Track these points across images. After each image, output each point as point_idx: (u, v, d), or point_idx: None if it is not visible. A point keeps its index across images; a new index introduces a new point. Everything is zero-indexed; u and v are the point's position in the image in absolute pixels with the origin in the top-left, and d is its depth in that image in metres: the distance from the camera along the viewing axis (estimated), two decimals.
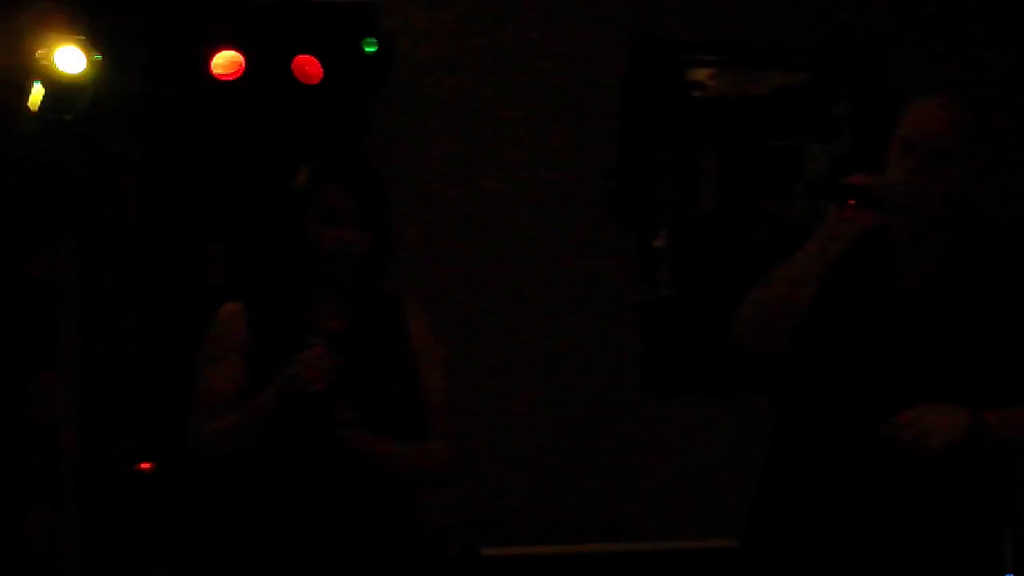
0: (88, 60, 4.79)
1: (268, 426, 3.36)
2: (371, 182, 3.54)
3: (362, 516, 3.41)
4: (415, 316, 3.62)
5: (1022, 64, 6.11)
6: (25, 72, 4.77)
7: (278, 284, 3.52)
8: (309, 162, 3.54)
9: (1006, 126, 5.92)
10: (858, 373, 3.44)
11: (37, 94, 4.76)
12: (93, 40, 4.78)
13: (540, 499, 5.66)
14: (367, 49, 5.23)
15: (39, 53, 4.71)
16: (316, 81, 5.12)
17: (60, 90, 4.76)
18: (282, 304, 3.46)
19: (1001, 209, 5.17)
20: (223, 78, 5.10)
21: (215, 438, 3.39)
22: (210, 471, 3.51)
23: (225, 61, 5.11)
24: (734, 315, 3.53)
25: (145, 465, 5.08)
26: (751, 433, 5.54)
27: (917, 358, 3.40)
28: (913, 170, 3.40)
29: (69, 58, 4.77)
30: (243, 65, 5.10)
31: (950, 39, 6.07)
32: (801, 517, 3.48)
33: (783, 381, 3.60)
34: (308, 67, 5.13)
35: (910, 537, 3.39)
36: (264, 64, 5.13)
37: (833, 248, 3.42)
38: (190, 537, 5.00)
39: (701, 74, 5.97)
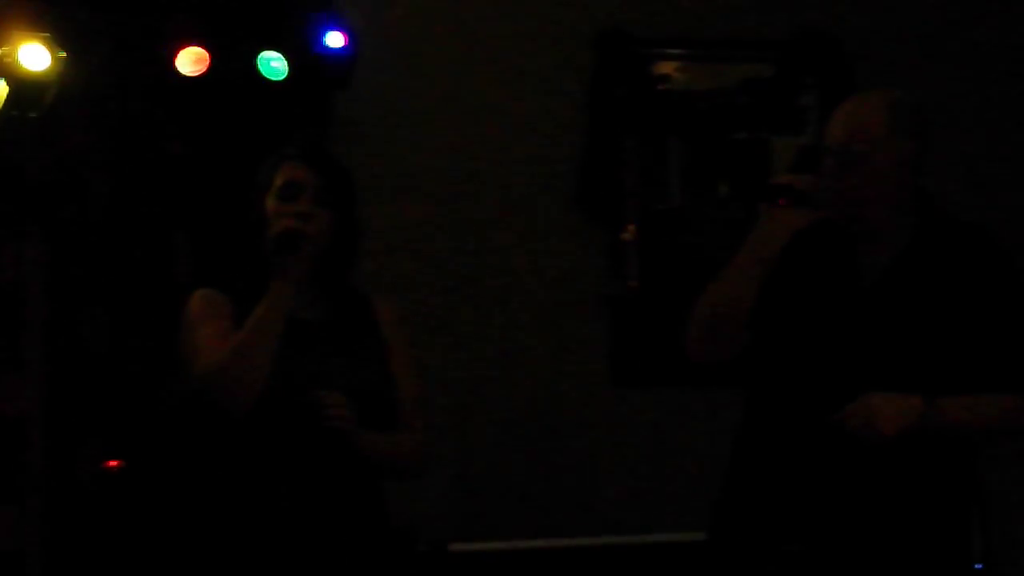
0: (52, 57, 4.76)
1: (277, 330, 3.35)
2: (331, 161, 3.55)
3: (333, 512, 3.42)
4: (386, 310, 3.64)
5: (986, 54, 6.13)
6: None
7: (246, 270, 3.51)
8: (270, 152, 3.56)
9: (971, 117, 6.02)
10: (820, 366, 3.46)
11: (1, 92, 4.74)
12: (57, 37, 4.76)
13: (508, 494, 5.66)
14: (332, 44, 5.23)
15: (2, 51, 4.68)
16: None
17: (24, 88, 4.73)
18: (254, 290, 3.44)
19: (966, 200, 5.25)
20: (188, 74, 5.09)
21: (224, 362, 3.34)
22: (210, 415, 3.44)
23: (190, 57, 5.10)
24: (684, 330, 3.55)
25: (113, 463, 5.07)
26: (720, 425, 5.53)
27: (878, 351, 3.42)
28: (827, 173, 3.44)
29: (33, 55, 4.74)
30: (208, 61, 5.10)
31: (915, 29, 6.09)
32: (764, 508, 3.50)
33: (748, 374, 3.62)
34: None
35: (872, 526, 3.41)
36: (229, 60, 5.12)
37: (768, 249, 3.44)
38: (160, 535, 4.99)
39: (667, 67, 5.98)
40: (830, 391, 3.40)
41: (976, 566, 3.69)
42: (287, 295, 3.39)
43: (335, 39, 5.24)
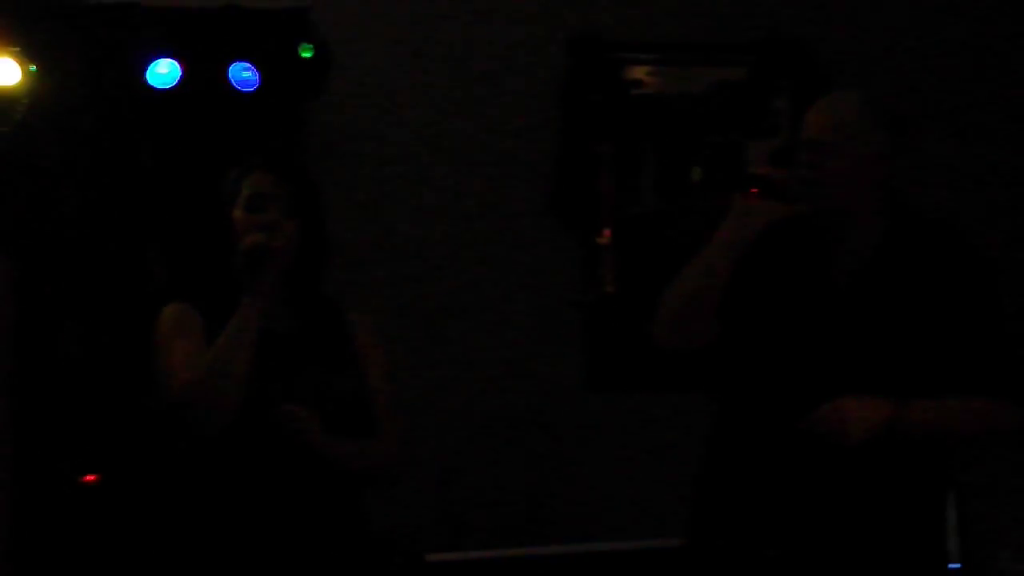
0: (23, 71, 4.76)
1: (251, 346, 3.35)
2: (297, 170, 3.55)
3: (309, 523, 3.42)
4: (358, 322, 3.64)
5: (957, 57, 6.15)
6: None
7: (216, 282, 3.51)
8: (238, 163, 3.56)
9: (941, 117, 6.03)
10: (790, 367, 3.47)
11: None
12: (28, 51, 4.76)
13: (483, 502, 5.66)
14: (303, 54, 5.23)
15: None
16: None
17: None
18: (223, 301, 3.43)
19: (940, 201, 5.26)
20: (160, 86, 5.09)
21: (200, 380, 3.33)
22: (188, 436, 3.43)
23: (162, 69, 5.10)
24: (652, 317, 3.56)
25: (90, 477, 5.06)
26: (697, 430, 5.56)
27: (849, 351, 3.43)
28: (802, 165, 3.45)
29: (4, 69, 4.75)
30: (179, 73, 5.10)
31: (885, 32, 6.10)
32: (738, 513, 3.51)
33: (718, 375, 3.63)
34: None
35: (846, 528, 3.41)
36: (200, 72, 5.12)
37: (740, 238, 3.45)
38: (138, 548, 4.98)
39: (639, 72, 5.98)
40: (801, 392, 3.40)
41: (953, 566, 3.70)
42: (257, 310, 3.38)
43: (306, 50, 5.24)
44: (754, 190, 3.44)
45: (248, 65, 5.14)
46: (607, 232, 5.89)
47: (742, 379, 3.54)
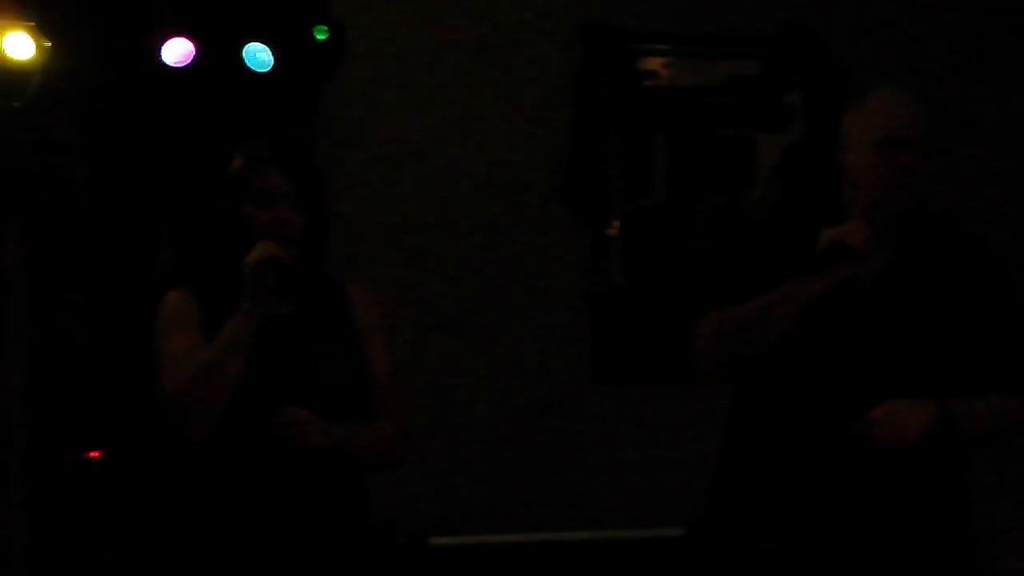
0: (37, 46, 4.74)
1: (243, 353, 3.34)
2: (305, 165, 3.55)
3: (313, 505, 3.42)
4: (361, 300, 3.64)
5: (973, 50, 6.14)
6: None
7: (220, 270, 3.50)
8: (243, 147, 3.54)
9: (958, 114, 6.03)
10: (822, 370, 3.46)
11: None
12: (42, 26, 4.74)
13: (489, 488, 5.66)
14: (318, 36, 5.22)
15: None
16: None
17: (8, 76, 4.71)
18: (226, 291, 3.43)
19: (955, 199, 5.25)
20: (173, 65, 5.08)
21: (185, 386, 3.34)
22: (176, 436, 3.43)
23: (175, 48, 5.08)
24: (695, 335, 3.53)
25: (94, 453, 5.06)
26: (704, 422, 5.59)
27: (879, 352, 3.43)
28: (909, 167, 3.40)
29: (18, 44, 4.72)
30: (193, 52, 5.08)
31: (901, 28, 6.09)
32: (767, 511, 3.51)
33: (743, 376, 3.61)
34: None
35: (882, 532, 3.42)
36: (215, 51, 5.11)
37: (808, 300, 3.42)
38: (141, 525, 4.98)
39: (653, 63, 5.97)
40: (834, 392, 3.41)
41: None
42: (255, 319, 3.39)
43: (321, 31, 5.23)
44: (841, 272, 3.39)
45: (263, 46, 5.13)
46: (617, 223, 5.88)
47: (773, 381, 3.54)
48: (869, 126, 3.46)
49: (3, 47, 4.69)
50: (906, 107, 3.45)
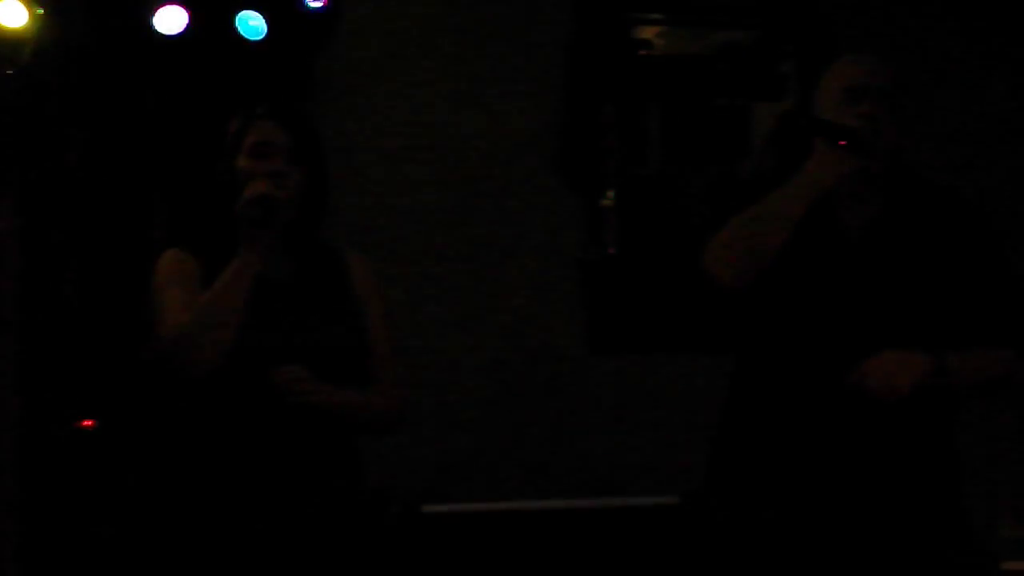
0: (30, 14, 4.74)
1: (243, 293, 3.34)
2: (301, 118, 3.54)
3: (307, 471, 3.42)
4: (358, 266, 3.64)
5: (965, 19, 6.13)
6: None
7: (217, 228, 3.50)
8: (239, 110, 3.55)
9: (951, 82, 6.03)
10: (812, 324, 3.47)
11: None
12: None
13: (483, 457, 5.66)
14: (312, 6, 5.21)
15: None
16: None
17: (1, 44, 4.71)
18: (224, 248, 3.43)
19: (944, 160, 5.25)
20: (166, 33, 5.07)
21: (187, 327, 3.32)
22: (177, 379, 3.42)
23: (169, 16, 5.07)
24: (705, 242, 3.53)
25: (87, 422, 5.06)
26: (698, 391, 5.61)
27: (869, 305, 3.45)
28: (868, 115, 3.43)
29: (11, 11, 4.72)
30: (187, 20, 5.07)
31: None
32: (765, 468, 3.51)
33: (739, 338, 3.62)
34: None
35: (876, 495, 3.43)
36: (208, 20, 5.10)
37: (819, 186, 3.43)
38: (134, 495, 4.98)
39: (648, 32, 5.96)
40: (825, 346, 3.42)
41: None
42: (255, 260, 3.38)
43: (316, 1, 5.22)
44: (842, 142, 3.40)
45: (255, 14, 5.12)
46: (611, 193, 5.87)
47: (765, 339, 3.55)
48: (835, 78, 3.51)
49: None
50: (870, 60, 3.50)
